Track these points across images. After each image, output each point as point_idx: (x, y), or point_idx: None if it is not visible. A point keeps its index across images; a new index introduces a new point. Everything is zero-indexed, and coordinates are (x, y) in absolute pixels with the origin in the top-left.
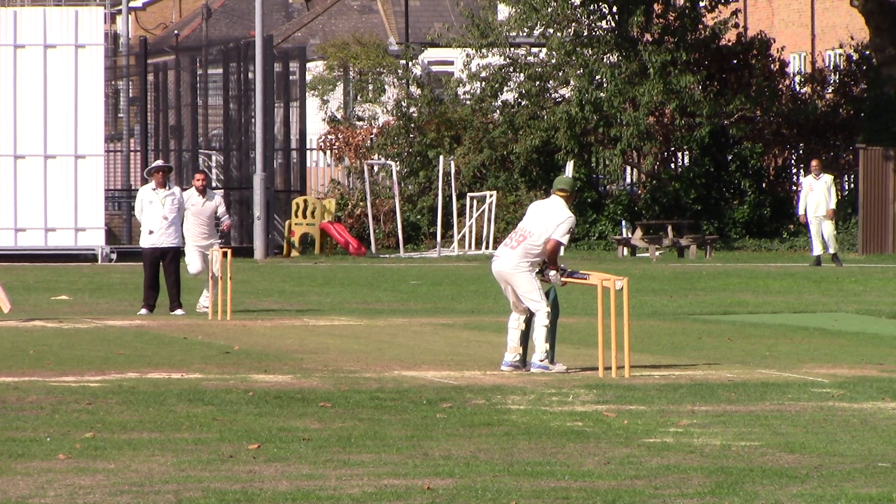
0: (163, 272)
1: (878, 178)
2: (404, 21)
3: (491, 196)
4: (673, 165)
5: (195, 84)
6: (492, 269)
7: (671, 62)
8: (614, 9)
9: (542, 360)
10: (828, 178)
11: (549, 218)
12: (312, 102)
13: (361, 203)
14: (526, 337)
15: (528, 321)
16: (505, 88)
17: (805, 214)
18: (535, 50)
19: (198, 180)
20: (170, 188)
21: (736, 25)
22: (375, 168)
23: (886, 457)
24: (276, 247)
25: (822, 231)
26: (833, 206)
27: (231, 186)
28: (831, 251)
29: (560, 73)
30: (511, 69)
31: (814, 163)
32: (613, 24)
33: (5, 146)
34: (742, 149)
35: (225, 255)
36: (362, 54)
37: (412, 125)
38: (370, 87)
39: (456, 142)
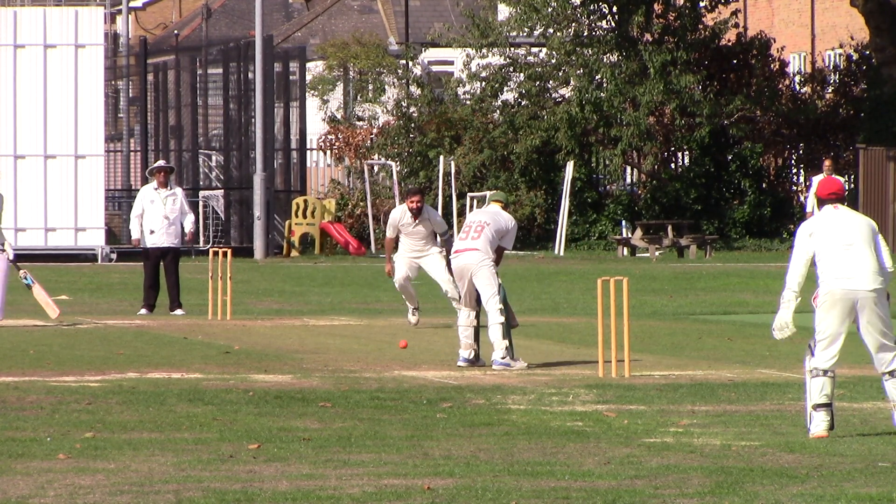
0: (163, 272)
1: (879, 178)
2: (404, 21)
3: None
4: (673, 165)
5: (195, 84)
6: (455, 263)
7: (671, 62)
8: (614, 9)
9: (503, 358)
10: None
11: (501, 220)
12: (312, 102)
13: (361, 203)
14: (478, 333)
15: (478, 315)
16: (505, 88)
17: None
18: (535, 50)
19: (412, 202)
20: (171, 188)
21: (736, 25)
22: (375, 168)
23: (886, 457)
24: (276, 247)
25: None
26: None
27: (231, 186)
28: None
29: (560, 73)
30: (511, 69)
31: (826, 162)
32: (613, 24)
33: (5, 146)
34: (742, 149)
35: (225, 254)
36: (362, 54)
37: (412, 125)
38: (370, 87)
39: (456, 142)
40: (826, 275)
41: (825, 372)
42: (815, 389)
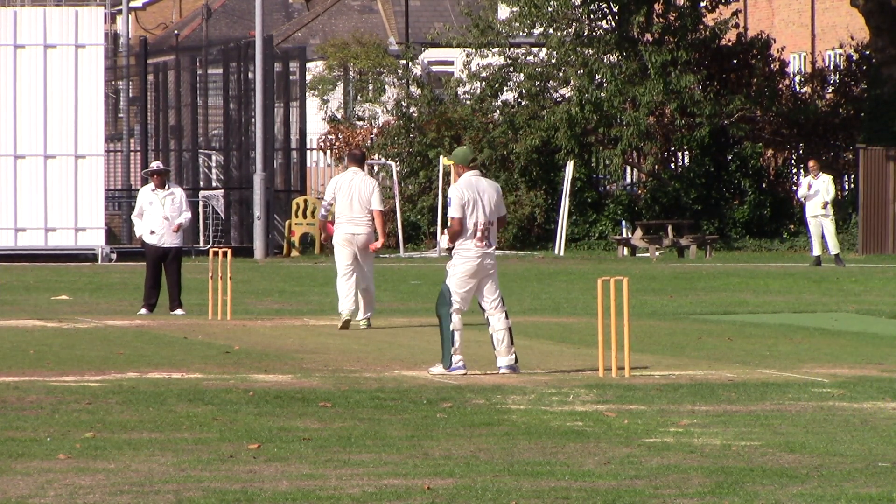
0: (164, 272)
1: (879, 178)
2: (404, 21)
3: None
4: (673, 165)
5: (195, 84)
6: (479, 264)
7: (671, 62)
8: (615, 8)
9: (515, 362)
10: (826, 178)
11: (491, 197)
12: (312, 102)
13: None
14: (511, 333)
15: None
16: (505, 88)
17: (804, 209)
18: (535, 50)
19: None
20: (169, 188)
21: (736, 25)
22: (375, 168)
23: (886, 457)
24: (276, 247)
25: (822, 231)
26: (829, 198)
27: (231, 186)
28: (833, 252)
29: (560, 73)
30: (511, 69)
31: (811, 163)
32: (614, 23)
33: (5, 146)
34: (742, 149)
35: (225, 254)
36: (362, 54)
37: (412, 125)
38: (370, 87)
39: (456, 142)
40: None
41: None
42: None
